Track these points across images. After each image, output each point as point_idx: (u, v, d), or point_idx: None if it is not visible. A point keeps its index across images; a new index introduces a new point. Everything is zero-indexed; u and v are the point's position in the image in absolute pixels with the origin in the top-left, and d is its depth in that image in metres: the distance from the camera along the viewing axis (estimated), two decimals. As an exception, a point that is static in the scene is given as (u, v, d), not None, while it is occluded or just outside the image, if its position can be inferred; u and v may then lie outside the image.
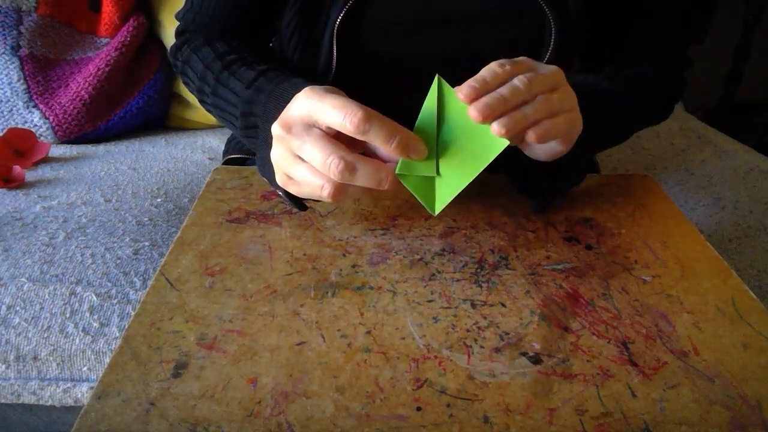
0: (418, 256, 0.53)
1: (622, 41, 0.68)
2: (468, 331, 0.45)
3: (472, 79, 0.44)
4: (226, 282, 0.49)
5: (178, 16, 0.71)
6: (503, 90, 0.44)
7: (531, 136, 0.45)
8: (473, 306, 0.47)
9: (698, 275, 0.52)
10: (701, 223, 0.90)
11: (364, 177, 0.43)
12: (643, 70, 0.65)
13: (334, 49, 0.62)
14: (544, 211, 0.59)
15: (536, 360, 0.42)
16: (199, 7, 0.67)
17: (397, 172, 0.44)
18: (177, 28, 0.70)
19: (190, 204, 0.93)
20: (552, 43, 0.62)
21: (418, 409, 0.38)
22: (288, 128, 0.45)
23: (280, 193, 0.52)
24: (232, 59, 0.61)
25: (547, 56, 0.63)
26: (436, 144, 0.45)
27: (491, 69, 0.45)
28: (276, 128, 0.46)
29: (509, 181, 0.62)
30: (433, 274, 0.51)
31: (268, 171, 0.51)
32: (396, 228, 0.57)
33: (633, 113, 0.63)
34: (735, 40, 1.83)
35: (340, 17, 0.61)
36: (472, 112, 0.43)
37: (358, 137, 0.43)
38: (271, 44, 0.77)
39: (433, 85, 0.46)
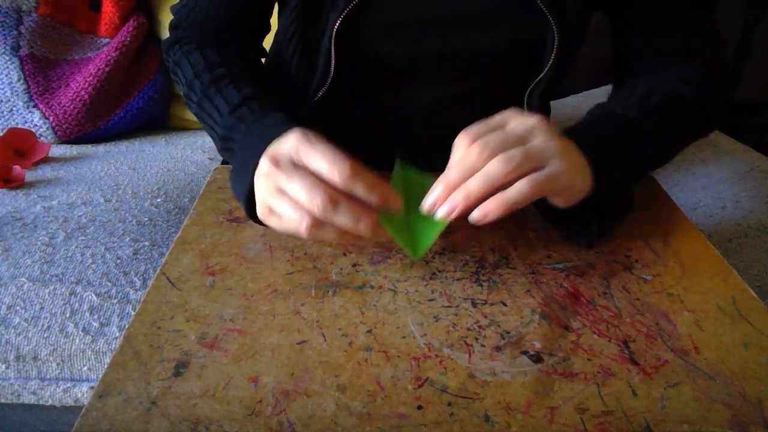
0: (419, 256, 0.53)
1: (642, 44, 0.66)
2: (469, 329, 0.45)
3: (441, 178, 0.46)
4: (226, 281, 0.49)
5: (173, 10, 0.71)
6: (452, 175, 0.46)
7: (473, 217, 0.45)
8: (474, 305, 0.47)
9: (699, 274, 0.52)
10: (701, 223, 0.90)
11: (344, 216, 0.44)
12: (673, 89, 0.61)
13: (332, 52, 0.62)
14: (593, 246, 0.55)
15: (537, 359, 0.42)
16: (194, 4, 0.68)
17: (378, 219, 0.46)
18: (171, 22, 0.71)
19: (190, 204, 0.92)
20: (556, 43, 0.62)
21: (419, 407, 0.38)
22: (276, 163, 0.46)
23: (245, 212, 0.53)
24: (221, 74, 0.62)
25: (552, 56, 0.63)
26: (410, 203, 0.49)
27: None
28: (264, 163, 0.47)
29: (551, 225, 0.57)
30: (434, 273, 0.51)
31: (237, 188, 0.53)
32: (396, 227, 0.57)
33: (668, 139, 0.60)
34: (735, 40, 1.83)
35: (339, 21, 0.61)
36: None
37: (342, 189, 0.44)
38: (266, 45, 0.77)
39: (395, 168, 0.51)
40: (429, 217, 0.47)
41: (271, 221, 0.49)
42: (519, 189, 0.44)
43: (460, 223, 0.57)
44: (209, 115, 0.61)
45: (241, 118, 0.57)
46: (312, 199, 0.44)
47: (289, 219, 0.46)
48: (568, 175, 0.47)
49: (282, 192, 0.46)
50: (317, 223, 0.45)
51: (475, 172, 0.45)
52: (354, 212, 0.44)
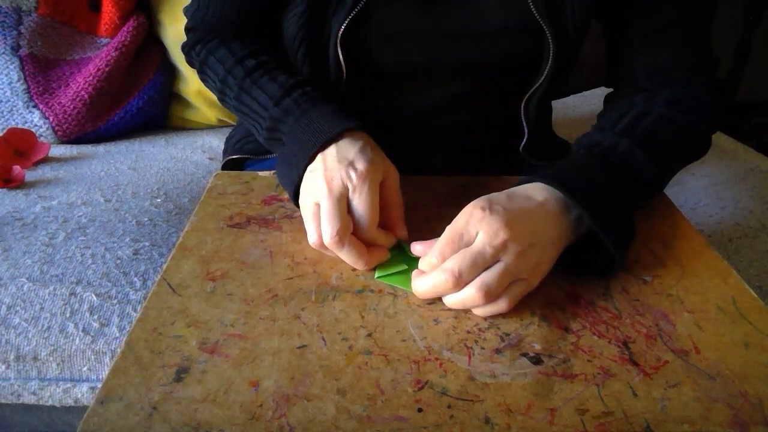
0: (419, 257, 0.53)
1: (633, 59, 0.65)
2: (469, 332, 0.45)
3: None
4: (227, 286, 0.49)
5: (186, 13, 0.72)
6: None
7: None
8: (474, 307, 0.47)
9: (698, 274, 0.52)
10: (701, 223, 0.90)
11: (346, 254, 0.50)
12: (663, 114, 0.60)
13: (341, 58, 0.63)
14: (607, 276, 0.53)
15: (537, 360, 0.42)
16: (206, 9, 0.69)
17: (376, 277, 0.51)
18: (186, 25, 0.72)
19: (190, 204, 0.93)
20: (551, 55, 0.62)
21: (419, 410, 0.38)
22: (330, 184, 0.51)
23: (290, 199, 0.57)
24: (253, 66, 0.64)
25: (547, 68, 0.63)
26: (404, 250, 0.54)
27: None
28: (319, 172, 0.52)
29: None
30: (434, 276, 0.51)
31: (287, 177, 0.56)
32: (396, 229, 0.56)
33: (661, 168, 0.58)
34: (735, 40, 1.83)
35: (341, 30, 0.62)
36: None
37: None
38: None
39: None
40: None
41: (303, 213, 0.53)
42: (497, 308, 0.46)
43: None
44: (250, 108, 0.63)
45: (288, 110, 0.59)
46: (326, 230, 0.49)
47: (307, 227, 0.51)
48: (544, 273, 0.48)
49: (316, 203, 0.51)
50: (320, 245, 0.50)
51: (447, 293, 0.46)
52: (355, 252, 0.50)
